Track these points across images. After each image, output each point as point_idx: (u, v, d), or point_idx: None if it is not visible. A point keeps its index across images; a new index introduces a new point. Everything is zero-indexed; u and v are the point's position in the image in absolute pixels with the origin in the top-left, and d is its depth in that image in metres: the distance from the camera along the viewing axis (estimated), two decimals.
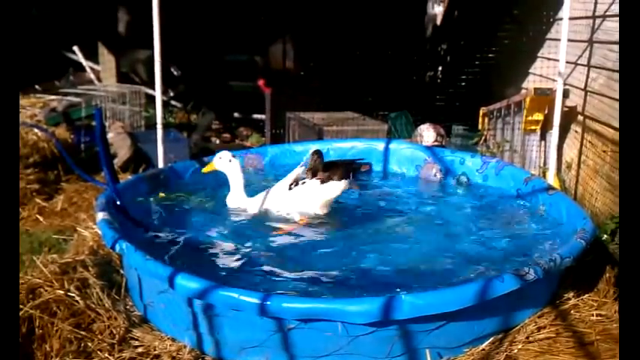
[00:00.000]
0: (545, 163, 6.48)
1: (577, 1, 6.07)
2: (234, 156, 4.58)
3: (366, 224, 4.29)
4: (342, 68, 11.04)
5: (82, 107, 7.62)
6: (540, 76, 7.45)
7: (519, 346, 3.03)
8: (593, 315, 3.31)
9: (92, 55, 10.68)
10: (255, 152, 5.91)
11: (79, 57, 10.75)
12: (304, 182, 4.26)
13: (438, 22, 12.91)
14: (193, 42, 10.89)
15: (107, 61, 10.45)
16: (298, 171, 4.36)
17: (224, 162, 4.55)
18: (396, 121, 8.16)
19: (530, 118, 6.57)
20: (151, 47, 5.61)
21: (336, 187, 4.18)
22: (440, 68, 11.87)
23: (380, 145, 5.81)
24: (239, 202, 4.52)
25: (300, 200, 4.26)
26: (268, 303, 2.82)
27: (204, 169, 4.72)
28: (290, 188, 4.28)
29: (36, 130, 6.45)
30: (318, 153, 4.46)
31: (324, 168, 4.36)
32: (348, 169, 4.31)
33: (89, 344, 3.10)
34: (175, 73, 10.87)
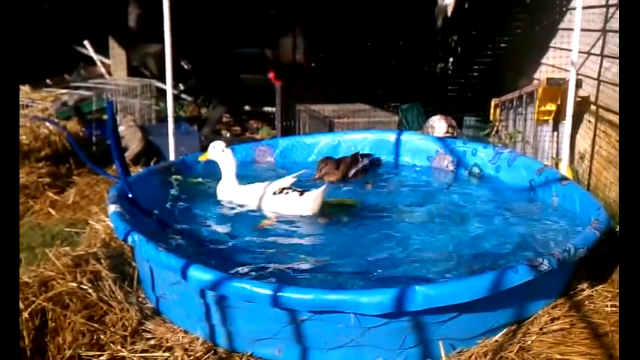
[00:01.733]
0: (557, 154, 6.43)
1: None
2: (226, 147, 4.62)
3: (378, 216, 4.29)
4: (353, 60, 11.01)
5: (93, 101, 7.63)
6: (553, 66, 7.39)
7: (533, 338, 3.02)
8: (607, 306, 3.28)
9: (103, 49, 10.69)
10: (265, 144, 5.91)
11: (90, 51, 10.76)
12: (287, 193, 4.30)
13: (449, 12, 12.84)
14: (203, 36, 10.89)
15: (118, 55, 10.45)
16: (289, 180, 4.39)
17: (217, 151, 4.60)
18: (407, 113, 8.12)
19: (542, 108, 6.51)
20: (161, 41, 5.60)
21: (309, 203, 4.22)
22: (451, 59, 11.81)
23: (391, 137, 5.80)
24: (229, 190, 4.55)
25: (278, 208, 4.31)
26: (281, 294, 2.82)
27: (200, 157, 4.81)
28: (274, 193, 4.33)
29: (47, 124, 6.47)
30: (325, 161, 4.65)
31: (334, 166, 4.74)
32: (349, 169, 4.74)
33: (102, 336, 3.11)
34: (186, 66, 10.87)
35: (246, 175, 4.87)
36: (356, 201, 4.53)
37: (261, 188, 4.42)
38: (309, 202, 4.22)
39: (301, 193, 4.26)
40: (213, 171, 4.90)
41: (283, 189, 4.32)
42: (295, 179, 4.42)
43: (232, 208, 4.48)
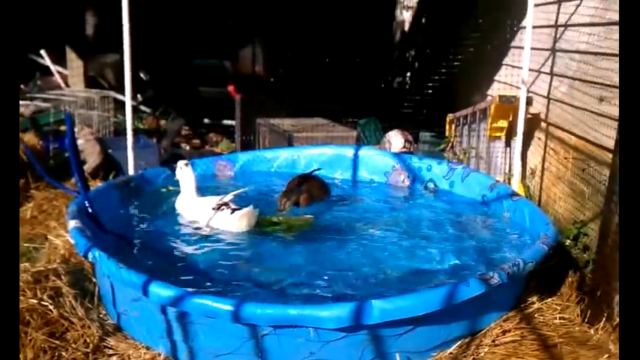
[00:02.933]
0: (510, 170, 6.63)
1: (540, 10, 6.24)
2: (186, 164, 4.71)
3: (335, 231, 4.37)
4: (312, 74, 11.12)
5: (51, 112, 7.55)
6: (505, 83, 7.62)
7: (486, 350, 3.14)
8: (556, 318, 3.44)
9: (60, 59, 10.58)
10: (225, 159, 5.96)
11: (47, 61, 10.64)
12: (222, 209, 4.39)
13: (406, 28, 13.08)
14: (162, 46, 10.85)
15: (75, 65, 10.37)
16: (229, 197, 4.48)
17: (178, 169, 4.69)
18: (365, 128, 8.26)
19: (495, 125, 6.71)
20: (119, 51, 5.59)
21: (237, 221, 4.33)
22: (408, 74, 12.02)
23: (349, 152, 5.90)
24: (187, 203, 4.62)
25: (214, 223, 4.41)
26: (242, 310, 2.88)
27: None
28: (213, 209, 4.42)
29: None
30: (285, 195, 4.77)
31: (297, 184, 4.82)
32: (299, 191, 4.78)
33: (63, 353, 3.11)
34: (144, 77, 10.82)
35: (206, 189, 4.92)
36: (309, 219, 4.57)
37: (205, 203, 4.51)
38: (236, 220, 4.32)
39: (233, 211, 4.35)
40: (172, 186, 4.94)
41: (220, 205, 4.41)
42: (235, 195, 4.51)
43: (192, 222, 4.52)
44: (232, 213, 4.34)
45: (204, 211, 4.44)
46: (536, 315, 3.48)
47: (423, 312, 2.97)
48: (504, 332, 3.29)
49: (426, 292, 3.14)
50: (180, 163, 4.71)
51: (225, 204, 4.41)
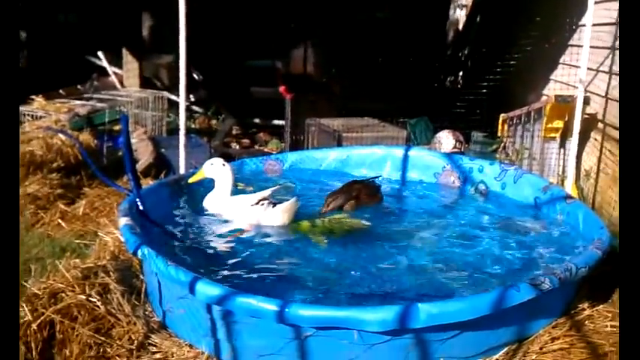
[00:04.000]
0: (564, 171, 6.45)
1: (601, 7, 6.04)
2: (224, 163, 4.71)
3: (384, 232, 4.33)
4: (363, 74, 11.06)
5: (106, 112, 7.72)
6: (561, 82, 7.42)
7: (533, 357, 3.05)
8: (607, 326, 3.30)
9: (116, 60, 10.81)
10: (274, 158, 5.96)
11: (103, 62, 10.89)
12: (262, 204, 4.42)
13: (460, 26, 12.89)
14: (215, 47, 10.99)
15: (131, 66, 10.58)
16: (267, 192, 4.50)
17: (216, 167, 4.67)
18: (415, 128, 8.16)
19: (550, 125, 6.55)
20: (174, 52, 5.67)
21: (280, 215, 4.38)
22: (460, 74, 11.84)
23: (399, 152, 5.83)
24: (219, 202, 4.63)
25: (254, 219, 4.44)
26: (286, 310, 2.87)
27: (192, 179, 4.82)
28: (252, 205, 4.45)
29: (60, 135, 6.55)
30: (333, 196, 4.69)
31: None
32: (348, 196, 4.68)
33: (108, 350, 3.16)
34: (197, 78, 10.97)
35: (256, 187, 4.95)
36: (361, 223, 4.50)
37: (243, 201, 4.54)
38: (279, 212, 4.38)
39: (274, 205, 4.40)
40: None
41: (259, 200, 4.44)
42: (273, 192, 4.53)
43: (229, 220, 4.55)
44: (274, 207, 4.37)
45: (243, 209, 4.47)
46: (586, 322, 3.36)
47: (470, 317, 2.90)
48: (553, 339, 3.19)
49: (475, 296, 3.07)
50: (218, 162, 4.71)
51: (265, 199, 4.44)
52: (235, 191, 4.75)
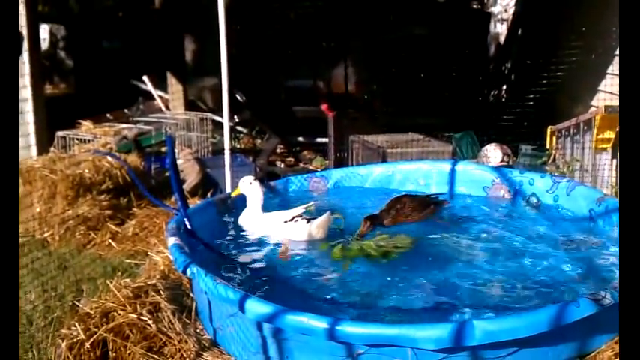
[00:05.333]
0: (617, 183, 6.27)
1: None
2: (253, 181, 4.77)
3: (434, 247, 4.24)
4: (405, 90, 11.03)
5: (152, 135, 7.85)
6: (610, 93, 7.26)
7: None
8: None
9: (161, 84, 11.01)
10: (319, 176, 5.94)
11: (149, 86, 11.09)
12: (297, 221, 4.46)
13: (502, 40, 12.77)
14: (257, 68, 11.10)
15: (175, 89, 10.75)
16: (299, 210, 4.53)
17: (245, 185, 4.75)
18: (460, 142, 8.06)
19: (600, 136, 6.39)
20: (217, 75, 5.73)
21: (314, 230, 4.41)
22: (504, 87, 11.70)
23: (446, 167, 5.74)
24: (252, 219, 4.68)
25: (288, 235, 4.48)
26: (338, 328, 2.82)
27: (233, 194, 4.94)
28: (285, 222, 4.49)
29: (109, 158, 6.67)
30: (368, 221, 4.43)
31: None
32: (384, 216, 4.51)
33: None
34: (240, 99, 11.07)
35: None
36: (410, 241, 4.29)
37: (275, 218, 4.58)
38: (313, 228, 4.40)
39: (308, 221, 4.44)
40: (270, 204, 4.95)
41: (294, 217, 4.48)
42: (306, 209, 4.56)
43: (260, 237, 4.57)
44: (308, 222, 4.41)
45: (276, 226, 4.51)
46: None
47: (528, 334, 2.81)
48: (616, 355, 3.06)
49: (532, 312, 2.97)
50: (247, 180, 4.78)
51: (299, 216, 4.49)
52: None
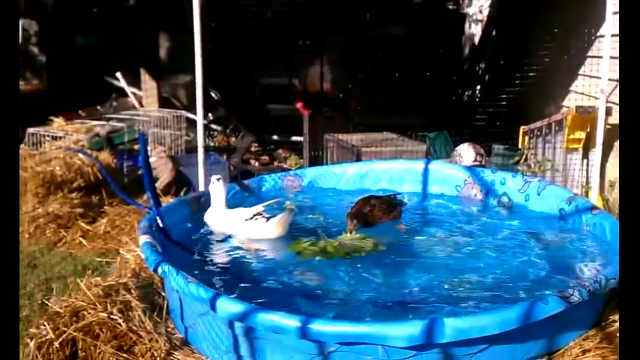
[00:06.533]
0: (588, 182, 6.36)
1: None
2: (218, 179, 4.71)
3: (405, 246, 4.26)
4: (380, 89, 11.07)
5: (125, 132, 7.77)
6: (582, 94, 7.35)
7: None
8: None
9: (134, 81, 10.92)
10: (294, 174, 5.93)
11: (122, 83, 10.99)
12: (256, 219, 4.44)
13: (476, 41, 12.88)
14: (232, 66, 11.06)
15: (149, 86, 10.67)
16: (260, 207, 4.51)
17: (211, 183, 4.72)
18: (434, 141, 8.11)
19: (571, 136, 6.49)
20: (191, 72, 5.70)
21: (273, 227, 4.41)
22: (478, 87, 11.80)
23: (419, 166, 5.76)
24: (215, 216, 4.63)
25: (248, 233, 4.47)
26: (309, 326, 2.82)
27: None
28: (246, 220, 4.47)
29: (80, 155, 6.60)
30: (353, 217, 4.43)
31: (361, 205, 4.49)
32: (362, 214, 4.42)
33: None
34: (215, 97, 11.02)
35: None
36: (377, 243, 4.24)
37: (236, 215, 4.55)
38: (272, 226, 4.40)
39: (268, 219, 4.42)
40: (241, 202, 4.94)
41: (254, 215, 4.46)
42: (267, 206, 4.53)
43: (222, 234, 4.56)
44: (267, 221, 4.39)
45: (237, 223, 4.49)
46: (618, 334, 3.26)
47: (497, 331, 2.84)
48: (584, 352, 3.10)
49: (502, 310, 2.99)
50: (213, 178, 4.74)
51: (259, 213, 4.46)
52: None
